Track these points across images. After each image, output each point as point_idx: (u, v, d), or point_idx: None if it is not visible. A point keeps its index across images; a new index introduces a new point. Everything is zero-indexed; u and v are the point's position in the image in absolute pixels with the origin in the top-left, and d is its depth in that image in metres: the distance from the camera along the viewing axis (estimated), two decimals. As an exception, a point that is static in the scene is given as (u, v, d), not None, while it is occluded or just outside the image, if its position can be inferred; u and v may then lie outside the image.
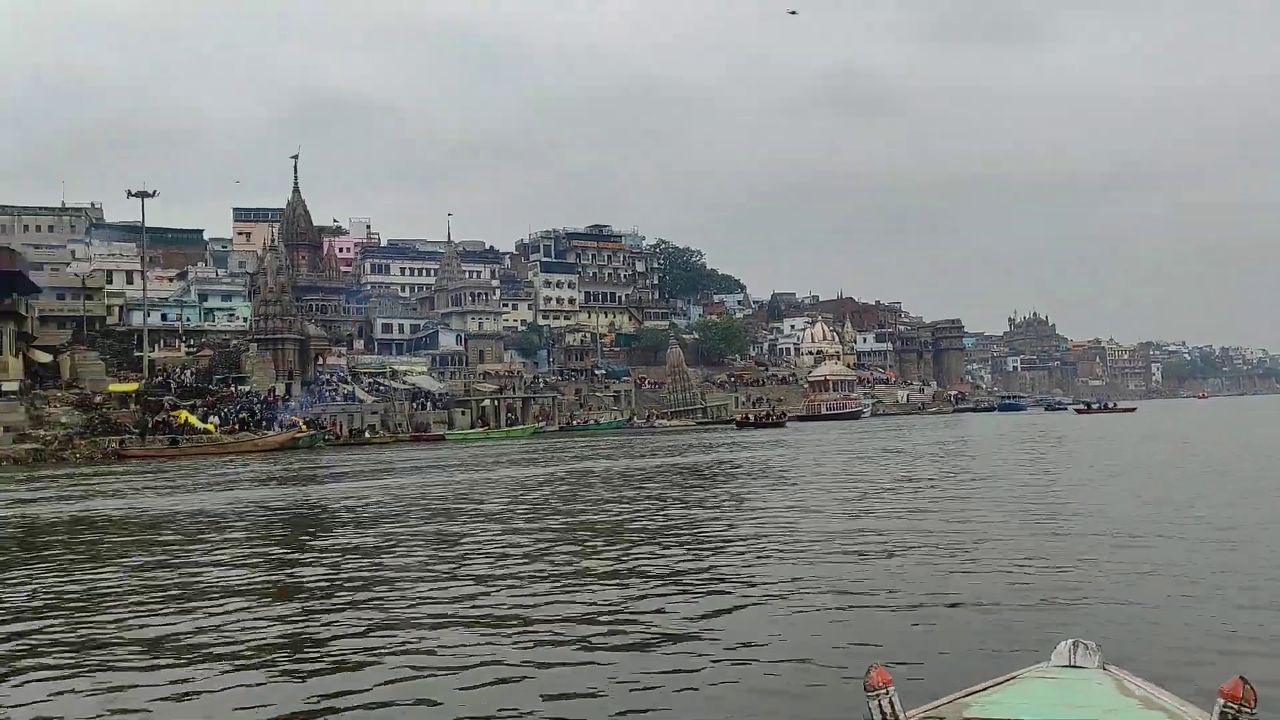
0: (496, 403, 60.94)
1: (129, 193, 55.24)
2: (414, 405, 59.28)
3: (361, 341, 75.33)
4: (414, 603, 6.95)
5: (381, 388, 62.02)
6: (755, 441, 33.98)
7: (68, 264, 64.75)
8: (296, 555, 9.45)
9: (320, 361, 63.86)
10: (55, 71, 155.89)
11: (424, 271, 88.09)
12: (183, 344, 63.60)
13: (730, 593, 6.93)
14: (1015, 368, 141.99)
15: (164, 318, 65.77)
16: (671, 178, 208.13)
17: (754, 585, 7.16)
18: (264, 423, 49.90)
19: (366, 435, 50.86)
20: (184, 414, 44.78)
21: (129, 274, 66.04)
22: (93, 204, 68.86)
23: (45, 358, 54.15)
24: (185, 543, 10.72)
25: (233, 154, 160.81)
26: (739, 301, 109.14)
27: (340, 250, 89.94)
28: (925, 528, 9.74)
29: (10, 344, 50.34)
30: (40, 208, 75.34)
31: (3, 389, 46.01)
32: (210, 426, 45.53)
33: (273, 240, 72.14)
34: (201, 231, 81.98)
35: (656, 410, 69.39)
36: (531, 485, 16.65)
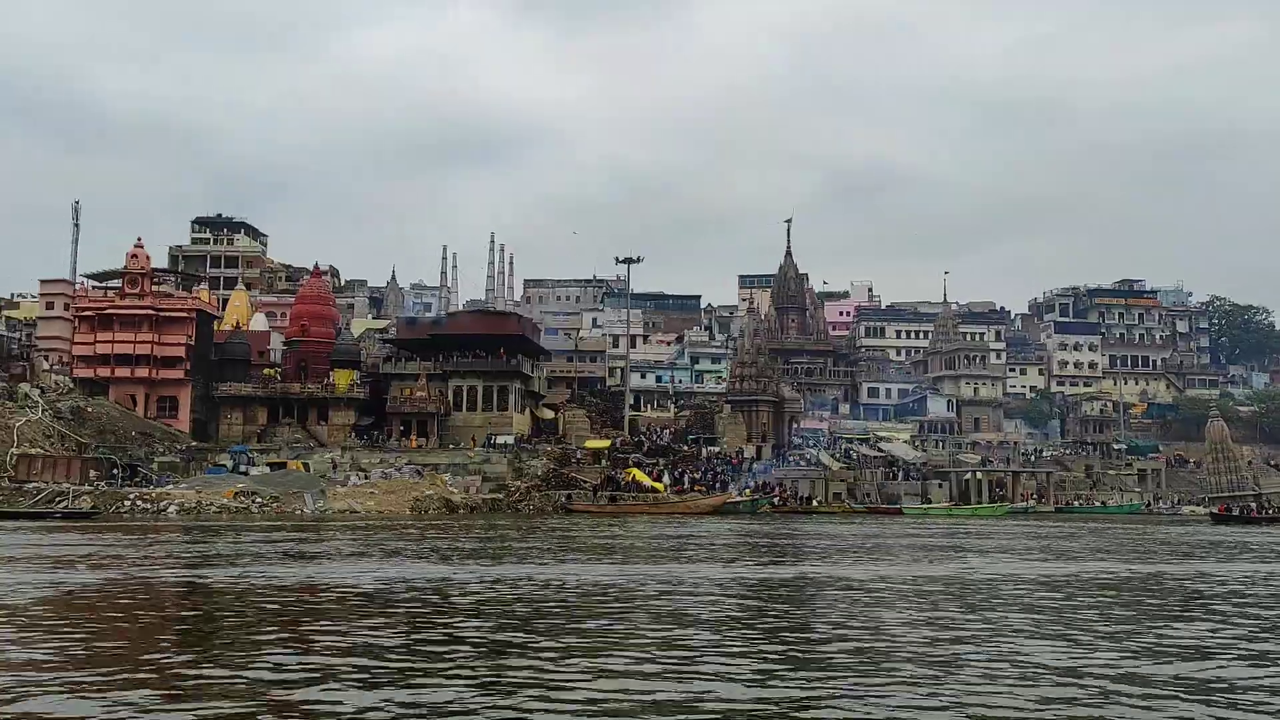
0: (980, 476, 50.62)
1: (616, 259, 57.88)
2: (886, 474, 55.35)
3: (847, 406, 71.59)
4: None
5: (854, 455, 56.64)
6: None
7: (577, 330, 70.92)
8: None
9: (795, 425, 62.56)
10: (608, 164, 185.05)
11: (920, 334, 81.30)
12: (672, 404, 66.83)
13: None
14: None
15: (658, 379, 69.78)
16: (1226, 225, 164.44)
17: None
18: (720, 484, 49.75)
19: (815, 504, 48.69)
20: (633, 471, 46.19)
21: (633, 338, 70.59)
22: (618, 276, 74.56)
23: (549, 415, 60.78)
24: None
25: (751, 223, 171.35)
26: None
27: (841, 314, 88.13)
28: None
29: (517, 401, 56.42)
30: (573, 280, 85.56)
31: (496, 442, 50.96)
32: (660, 485, 45.75)
33: (769, 305, 72.48)
34: (699, 298, 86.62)
35: (1184, 495, 54.46)
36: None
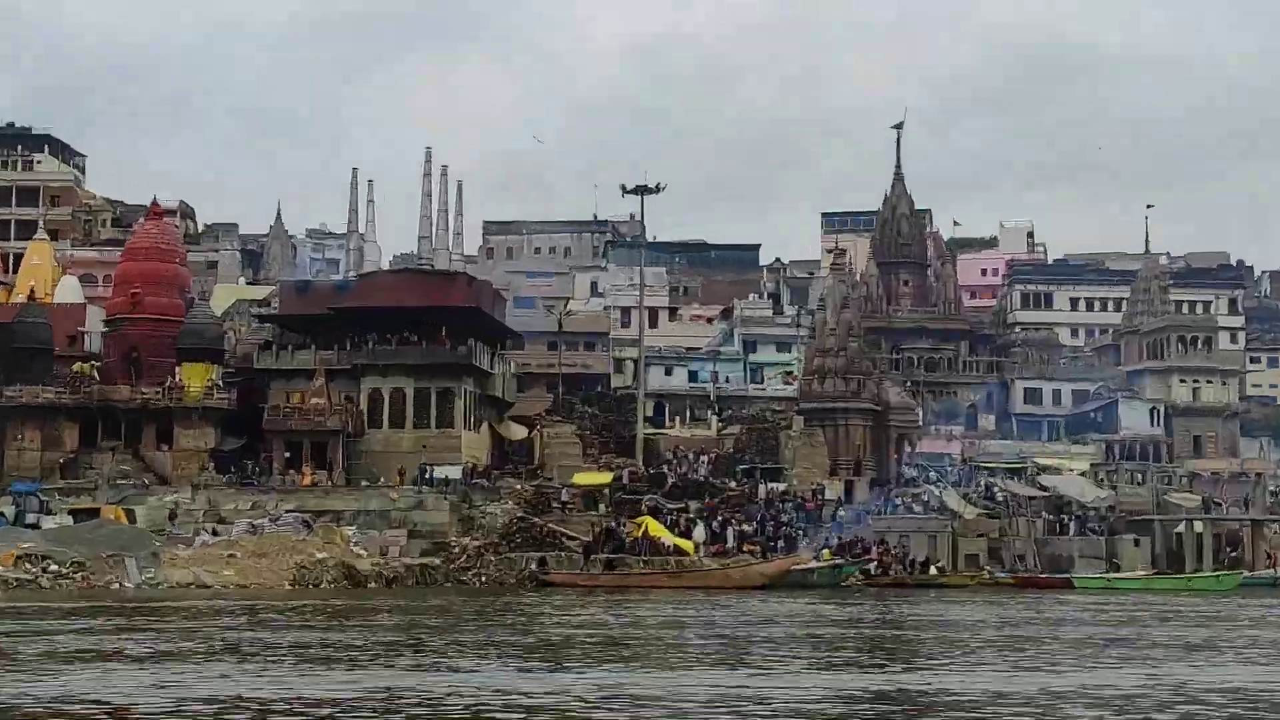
0: (1199, 528, 53.25)
1: (624, 189, 57.51)
2: (1051, 525, 55.08)
3: (992, 417, 72.18)
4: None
5: (1000, 495, 57.63)
6: None
7: (565, 301, 71.31)
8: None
9: (908, 449, 63.16)
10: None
11: (1108, 304, 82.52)
12: (714, 416, 67.11)
13: None
14: None
15: (692, 377, 69.47)
16: None
17: None
18: (784, 542, 49.63)
19: (935, 570, 48.26)
20: (647, 522, 45.79)
21: (653, 313, 70.59)
22: (631, 215, 74.52)
23: (518, 433, 61.46)
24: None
25: (846, 136, 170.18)
26: None
27: (983, 273, 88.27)
28: None
29: (468, 412, 56.67)
30: (559, 223, 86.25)
31: (435, 476, 51.42)
32: (688, 544, 45.99)
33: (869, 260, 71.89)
34: (757, 249, 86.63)
35: None
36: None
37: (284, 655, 18.24)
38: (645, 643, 21.41)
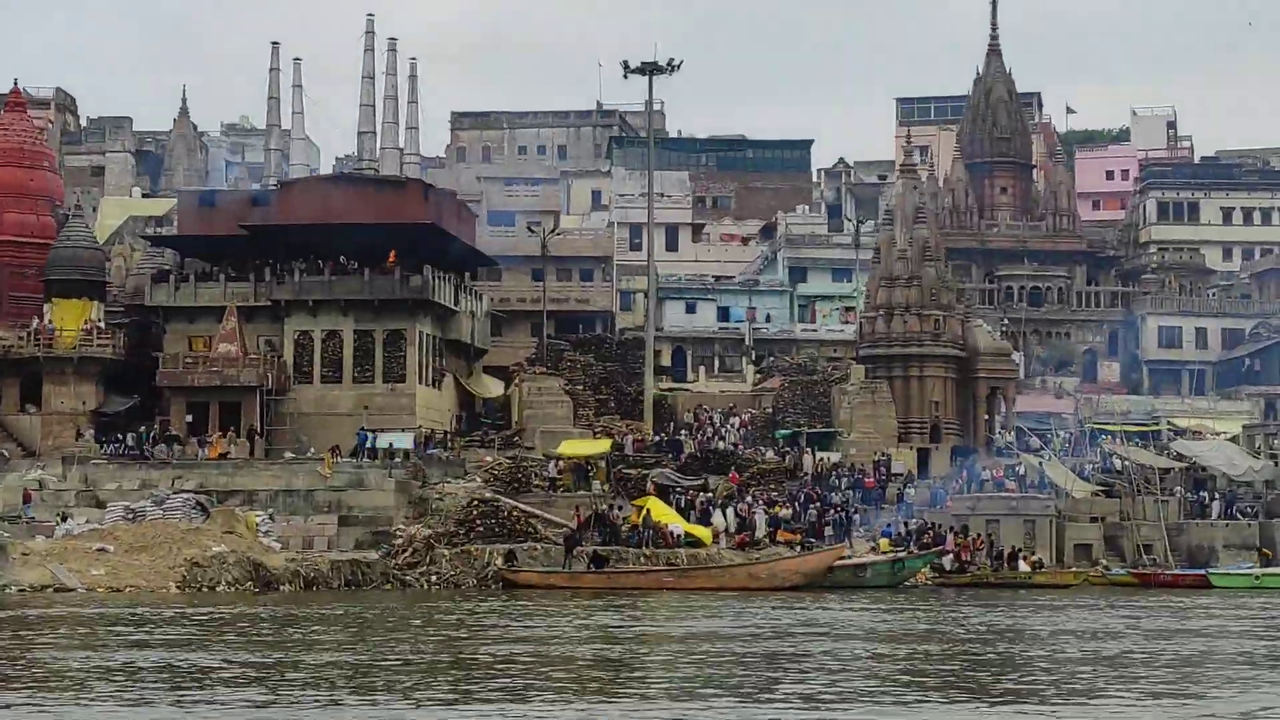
0: None
1: (625, 68, 57.58)
2: (1191, 507, 55.15)
3: (1115, 365, 73.00)
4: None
5: (1123, 467, 57.48)
6: None
7: (555, 216, 70.65)
8: None
9: (1002, 408, 62.81)
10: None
11: (1274, 216, 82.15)
12: (748, 366, 66.97)
13: None
14: None
15: (723, 315, 69.58)
16: None
17: None
18: (835, 528, 49.54)
19: (1023, 567, 48.44)
20: (650, 505, 45.79)
21: (670, 231, 70.41)
22: (647, 103, 73.67)
23: (492, 389, 61.52)
24: None
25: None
26: None
27: (1106, 175, 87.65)
28: None
29: (425, 362, 56.61)
30: (552, 113, 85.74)
31: (381, 445, 51.28)
32: (704, 531, 46.11)
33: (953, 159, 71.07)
34: (808, 146, 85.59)
35: None
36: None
37: (110, 679, 18.19)
38: (592, 669, 20.99)
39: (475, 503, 45.23)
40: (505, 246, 65.51)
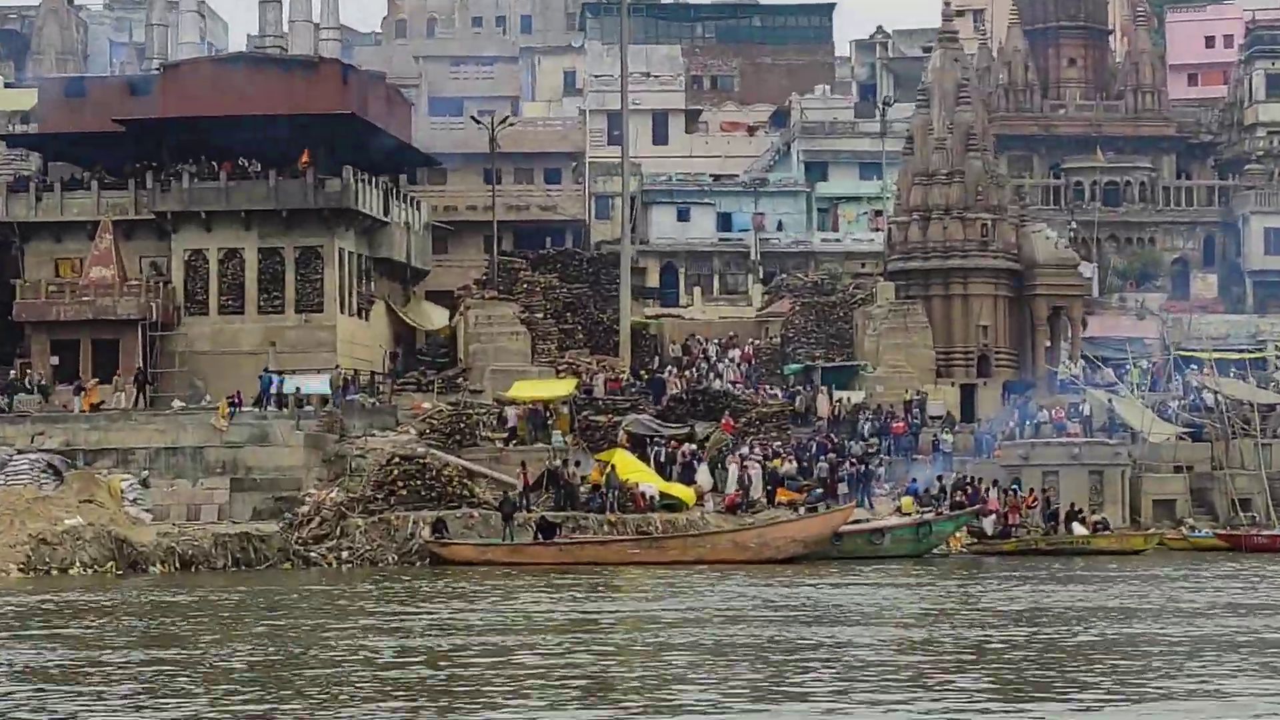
0: None
1: None
2: None
3: (1213, 277, 73.19)
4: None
5: (1215, 403, 57.74)
6: None
7: (512, 102, 69.34)
8: None
9: (1068, 331, 62.94)
10: None
11: None
12: (755, 283, 67.37)
13: None
14: None
15: (725, 224, 69.19)
16: None
17: None
18: (853, 486, 49.75)
19: (1079, 530, 48.39)
20: (616, 458, 46.13)
21: (658, 120, 69.89)
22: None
23: (435, 319, 61.58)
24: None
25: None
26: None
27: (1203, 44, 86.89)
28: None
29: (346, 287, 56.61)
30: None
31: (290, 390, 51.32)
32: (685, 493, 46.54)
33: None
34: (831, 8, 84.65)
35: None
36: None
37: None
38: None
39: (396, 460, 45.06)
40: (452, 142, 65.38)
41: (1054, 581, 36.15)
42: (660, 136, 70.44)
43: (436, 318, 60.97)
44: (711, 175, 70.10)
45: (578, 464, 46.29)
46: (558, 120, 70.54)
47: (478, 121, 63.71)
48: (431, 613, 28.70)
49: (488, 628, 25.50)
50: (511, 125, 65.16)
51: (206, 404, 50.99)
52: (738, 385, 56.46)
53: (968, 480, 49.08)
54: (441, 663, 20.63)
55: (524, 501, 44.15)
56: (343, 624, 26.69)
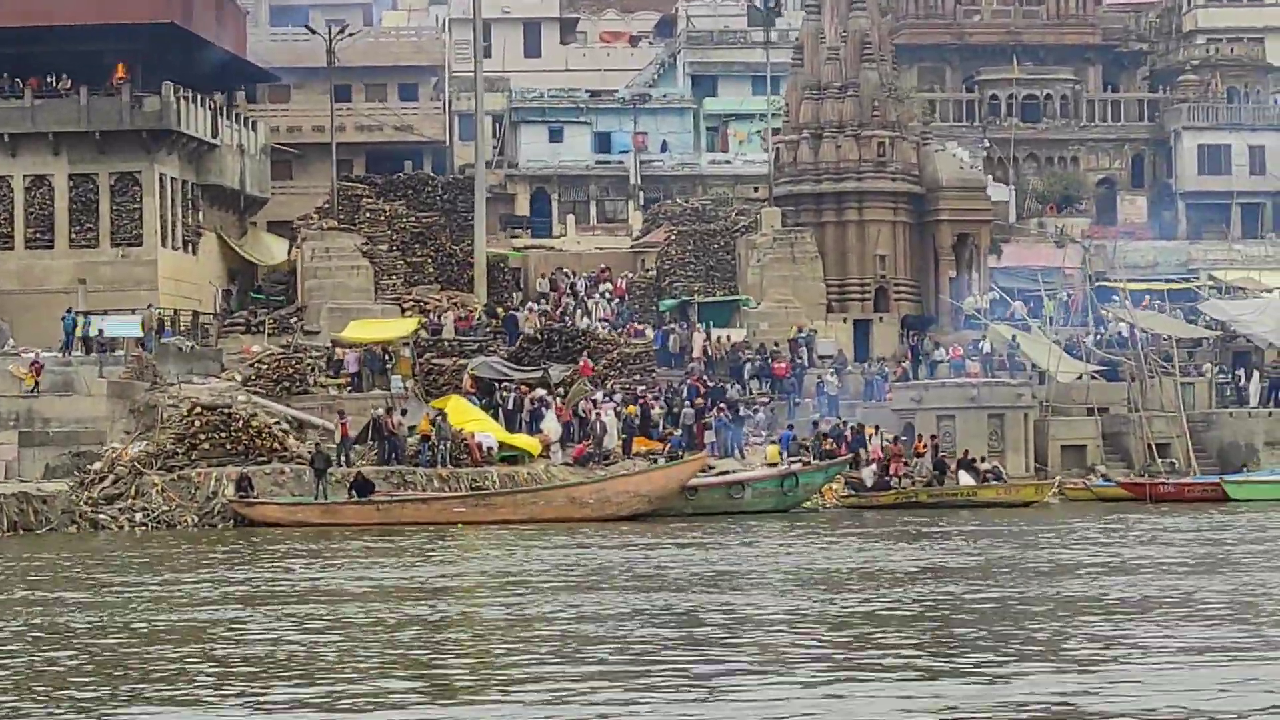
0: None
1: None
2: (1227, 387, 57.02)
3: (1142, 200, 73.51)
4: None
5: (1132, 337, 58.09)
6: None
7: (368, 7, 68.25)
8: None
9: (975, 261, 63.17)
10: None
11: None
12: (634, 210, 67.80)
13: None
14: None
15: (603, 144, 69.86)
16: None
17: None
18: (719, 432, 49.99)
19: (965, 480, 48.63)
20: (450, 406, 46.23)
21: (533, 28, 71.59)
22: None
23: (276, 253, 61.74)
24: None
25: None
26: None
27: None
28: None
29: (167, 209, 56.08)
30: None
31: (95, 332, 50.36)
32: (530, 443, 46.55)
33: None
34: None
35: None
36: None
37: None
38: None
39: (198, 410, 44.54)
40: (295, 55, 64.76)
41: (903, 539, 35.67)
42: (532, 48, 70.54)
43: (279, 251, 60.65)
44: (588, 91, 70.10)
45: (404, 413, 46.04)
46: (412, 30, 69.73)
47: (312, 30, 63.00)
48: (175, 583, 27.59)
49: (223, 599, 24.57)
50: (352, 36, 64.58)
51: (9, 350, 49.95)
52: (607, 323, 56.33)
53: (846, 426, 48.96)
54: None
55: (343, 456, 43.77)
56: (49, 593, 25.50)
